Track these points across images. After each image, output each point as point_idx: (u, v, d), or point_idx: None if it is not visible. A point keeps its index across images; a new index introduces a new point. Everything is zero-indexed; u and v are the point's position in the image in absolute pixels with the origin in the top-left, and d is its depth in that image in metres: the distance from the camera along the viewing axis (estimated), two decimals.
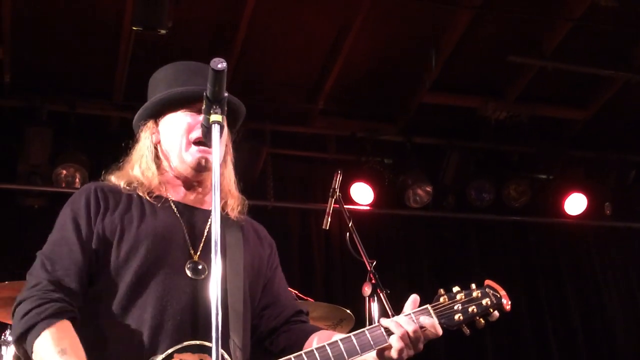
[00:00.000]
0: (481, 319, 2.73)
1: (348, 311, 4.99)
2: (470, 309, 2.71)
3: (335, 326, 5.08)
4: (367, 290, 4.27)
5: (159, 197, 2.79)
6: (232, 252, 2.77)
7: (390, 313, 4.02)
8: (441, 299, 2.73)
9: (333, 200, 4.75)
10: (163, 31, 5.82)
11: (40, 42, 6.83)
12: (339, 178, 4.73)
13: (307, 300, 5.23)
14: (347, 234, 4.48)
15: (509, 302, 2.78)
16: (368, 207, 7.88)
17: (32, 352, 2.50)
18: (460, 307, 2.71)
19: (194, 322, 2.55)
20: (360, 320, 4.63)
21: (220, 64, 2.31)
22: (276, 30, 7.06)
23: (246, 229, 2.94)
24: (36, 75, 7.13)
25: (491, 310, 2.74)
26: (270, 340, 2.89)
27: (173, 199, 2.81)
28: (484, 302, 2.74)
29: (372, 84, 7.75)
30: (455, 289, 2.76)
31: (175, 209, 2.78)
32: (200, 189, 2.88)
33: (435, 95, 7.92)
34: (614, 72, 7.66)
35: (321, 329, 2.91)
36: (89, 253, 2.64)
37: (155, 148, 2.87)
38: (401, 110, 8.10)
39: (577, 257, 8.90)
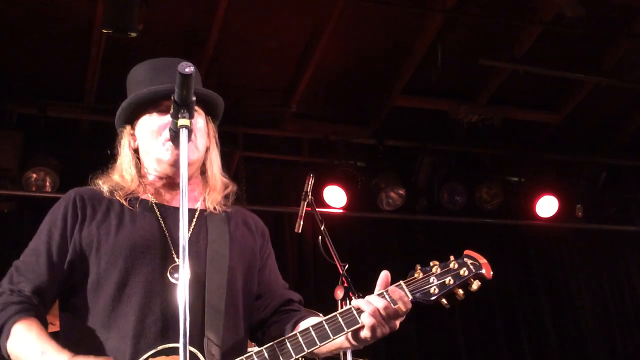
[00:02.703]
0: (460, 290, 2.63)
1: (320, 315, 4.97)
2: (446, 281, 2.62)
3: None
4: (339, 293, 4.28)
5: (141, 201, 2.76)
6: (214, 249, 2.74)
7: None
8: (415, 274, 2.64)
9: (305, 203, 4.75)
10: (133, 34, 5.78)
11: (10, 45, 6.76)
12: (311, 181, 4.73)
13: None
14: (320, 237, 4.48)
15: (490, 270, 2.68)
16: (341, 210, 7.88)
17: (8, 354, 2.54)
18: (435, 280, 2.62)
19: (176, 326, 2.49)
20: None
21: (188, 68, 2.30)
22: (248, 33, 7.04)
23: (233, 222, 2.91)
24: (6, 78, 7.05)
25: (472, 280, 2.64)
26: (262, 332, 2.88)
27: (156, 201, 2.79)
28: (461, 272, 2.63)
29: (344, 87, 7.76)
30: (433, 262, 2.68)
31: (158, 212, 2.76)
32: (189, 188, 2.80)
33: (408, 99, 7.94)
34: (584, 76, 7.73)
35: (310, 314, 2.86)
36: (57, 265, 2.65)
37: (136, 152, 2.86)
38: (374, 113, 8.12)
39: (549, 259, 8.96)
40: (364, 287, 4.50)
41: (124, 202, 2.74)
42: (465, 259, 2.69)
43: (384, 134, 8.23)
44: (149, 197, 2.80)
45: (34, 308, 2.60)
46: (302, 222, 4.76)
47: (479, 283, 2.64)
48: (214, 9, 6.62)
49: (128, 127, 2.87)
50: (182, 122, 2.36)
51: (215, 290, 2.68)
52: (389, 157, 8.19)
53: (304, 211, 4.74)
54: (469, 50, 7.38)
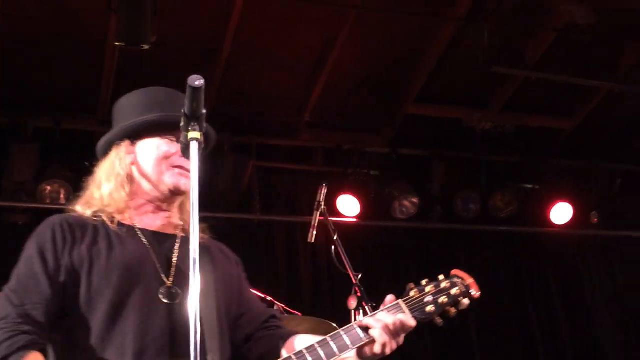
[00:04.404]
0: (452, 309, 2.77)
1: (334, 325, 4.97)
2: (441, 300, 2.75)
3: None
4: (352, 303, 4.27)
5: (125, 226, 2.78)
6: (202, 274, 2.76)
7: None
8: (411, 293, 2.77)
9: (318, 213, 4.75)
10: (146, 46, 5.82)
11: (25, 58, 6.81)
12: (324, 191, 4.73)
13: (294, 314, 5.22)
14: (333, 247, 4.48)
15: (478, 290, 2.82)
16: (355, 220, 7.87)
17: None
18: (431, 299, 2.75)
19: (175, 345, 2.57)
20: None
21: (198, 81, 2.31)
22: (262, 43, 7.06)
23: (212, 249, 2.96)
24: (21, 92, 7.11)
25: (461, 299, 2.78)
26: (247, 347, 2.91)
27: (139, 226, 2.81)
28: (453, 291, 2.77)
29: (357, 96, 7.76)
30: (424, 281, 2.80)
31: (143, 237, 2.77)
32: (167, 215, 2.88)
33: (421, 107, 7.94)
34: (598, 82, 7.71)
35: (297, 333, 2.93)
36: (56, 286, 2.62)
37: (130, 168, 2.86)
38: (387, 121, 8.12)
39: (564, 266, 8.91)
40: (378, 297, 4.50)
41: (109, 226, 2.75)
42: (456, 279, 2.83)
43: (397, 142, 8.23)
44: (132, 221, 2.81)
45: (42, 340, 2.56)
46: (315, 232, 4.76)
47: (468, 301, 2.80)
48: (227, 20, 6.65)
49: (127, 142, 2.87)
50: (192, 134, 2.36)
51: (209, 314, 2.72)
52: (403, 166, 8.17)
53: (317, 221, 4.74)
54: (482, 57, 7.37)
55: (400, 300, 2.74)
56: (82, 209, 2.82)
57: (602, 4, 6.74)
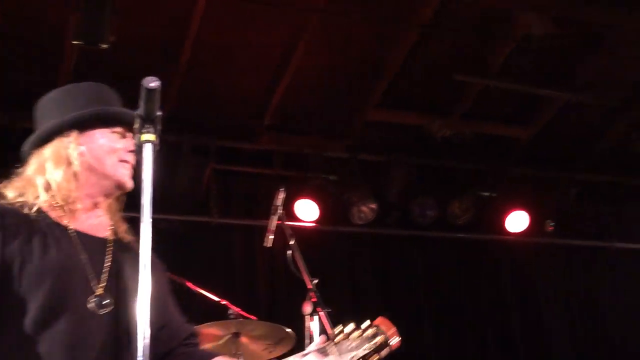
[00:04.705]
0: (374, 356, 2.81)
1: (288, 330, 4.97)
2: (364, 347, 2.79)
3: (276, 345, 5.08)
4: (307, 309, 4.27)
5: (58, 225, 2.66)
6: (132, 281, 2.64)
7: (329, 331, 4.02)
8: (337, 338, 2.80)
9: (276, 217, 4.74)
10: (105, 46, 5.75)
11: None
12: (281, 195, 4.72)
13: (250, 318, 5.21)
14: (289, 252, 4.47)
15: (399, 340, 2.87)
16: (313, 224, 7.86)
17: None
18: (355, 345, 2.79)
19: (105, 356, 2.51)
20: (300, 339, 4.62)
21: (153, 83, 2.27)
22: (223, 45, 7.03)
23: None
24: None
25: (382, 347, 2.82)
26: None
27: (71, 226, 2.69)
28: (376, 340, 2.80)
29: (318, 101, 7.77)
30: (349, 327, 2.82)
31: (77, 239, 2.66)
32: (99, 214, 2.78)
33: (381, 113, 7.96)
34: (556, 92, 7.81)
35: (217, 354, 2.94)
36: None
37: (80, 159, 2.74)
38: (347, 127, 8.13)
39: (520, 273, 8.98)
40: (334, 302, 4.50)
41: (45, 223, 2.63)
42: (379, 328, 2.85)
43: (357, 148, 8.23)
44: (66, 219, 2.69)
45: None
46: (272, 237, 4.74)
47: (389, 349, 2.84)
48: (188, 21, 6.61)
49: (76, 132, 2.75)
50: (146, 136, 2.32)
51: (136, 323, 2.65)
52: (362, 171, 8.18)
53: (274, 225, 4.72)
54: (443, 65, 7.42)
55: (329, 343, 2.77)
56: (15, 197, 2.69)
57: (561, 15, 6.83)
